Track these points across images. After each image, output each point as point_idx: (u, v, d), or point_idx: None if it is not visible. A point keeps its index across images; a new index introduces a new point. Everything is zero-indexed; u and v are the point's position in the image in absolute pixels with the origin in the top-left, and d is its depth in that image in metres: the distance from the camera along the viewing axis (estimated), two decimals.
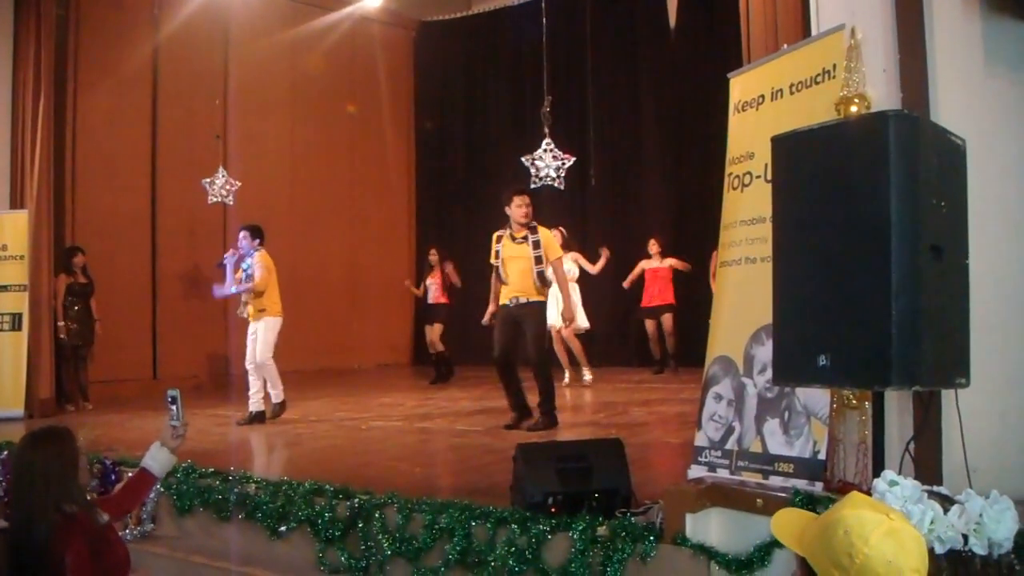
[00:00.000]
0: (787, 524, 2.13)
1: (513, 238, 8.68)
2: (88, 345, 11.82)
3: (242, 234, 9.94)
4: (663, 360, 13.77)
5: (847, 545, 1.87)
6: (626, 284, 13.59)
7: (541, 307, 8.79)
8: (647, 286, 13.47)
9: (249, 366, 9.74)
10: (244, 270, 9.80)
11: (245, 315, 9.78)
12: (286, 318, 9.81)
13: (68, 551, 3.60)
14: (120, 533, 4.74)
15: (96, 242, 12.39)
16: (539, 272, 8.53)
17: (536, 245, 8.60)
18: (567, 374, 12.33)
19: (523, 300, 8.55)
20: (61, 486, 3.71)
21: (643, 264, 13.49)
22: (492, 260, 8.79)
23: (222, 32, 14.79)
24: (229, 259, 9.95)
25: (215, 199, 11.94)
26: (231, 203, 12.19)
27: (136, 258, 13.37)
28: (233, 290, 9.89)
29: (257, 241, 9.91)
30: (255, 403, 9.62)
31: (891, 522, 1.90)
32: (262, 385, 9.71)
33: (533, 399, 8.59)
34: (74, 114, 12.90)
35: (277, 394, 9.77)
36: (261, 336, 9.68)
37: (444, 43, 17.89)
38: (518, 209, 8.65)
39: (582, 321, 12.17)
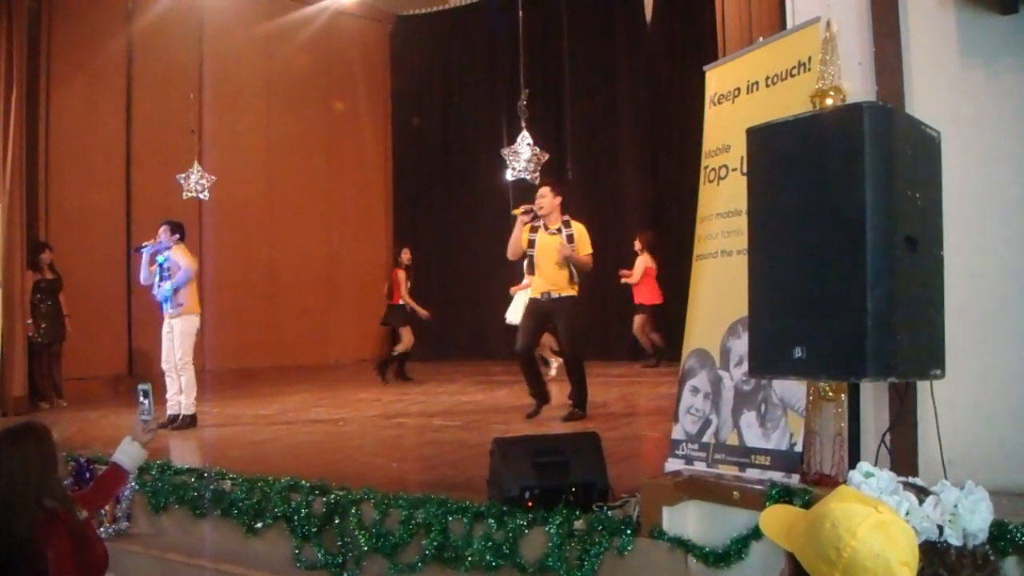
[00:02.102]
0: (775, 520, 2.12)
1: (547, 228, 8.66)
2: (59, 342, 11.73)
3: (163, 228, 9.55)
4: (655, 353, 13.78)
5: (834, 538, 1.85)
6: (634, 280, 13.58)
7: (574, 302, 8.71)
8: (641, 282, 13.49)
9: (166, 366, 9.35)
10: (159, 263, 9.41)
11: (170, 311, 9.35)
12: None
13: (50, 546, 3.57)
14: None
15: (70, 237, 12.31)
16: (573, 263, 8.53)
17: (570, 239, 8.58)
18: (554, 365, 12.29)
19: (555, 295, 8.54)
20: (41, 481, 3.68)
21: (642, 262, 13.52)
22: (524, 240, 8.70)
23: (197, 26, 14.70)
24: (147, 249, 9.54)
25: (190, 194, 11.83)
26: (206, 198, 12.10)
27: (111, 253, 13.26)
28: (169, 288, 9.33)
29: (176, 236, 9.52)
30: (174, 405, 9.19)
31: (879, 515, 1.89)
32: (179, 387, 9.21)
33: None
34: (47, 108, 12.79)
35: (188, 405, 9.22)
36: (179, 337, 9.27)
37: (420, 37, 17.84)
38: (536, 200, 8.70)
39: None
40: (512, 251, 8.86)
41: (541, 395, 8.79)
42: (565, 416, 8.43)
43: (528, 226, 8.73)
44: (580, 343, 9.06)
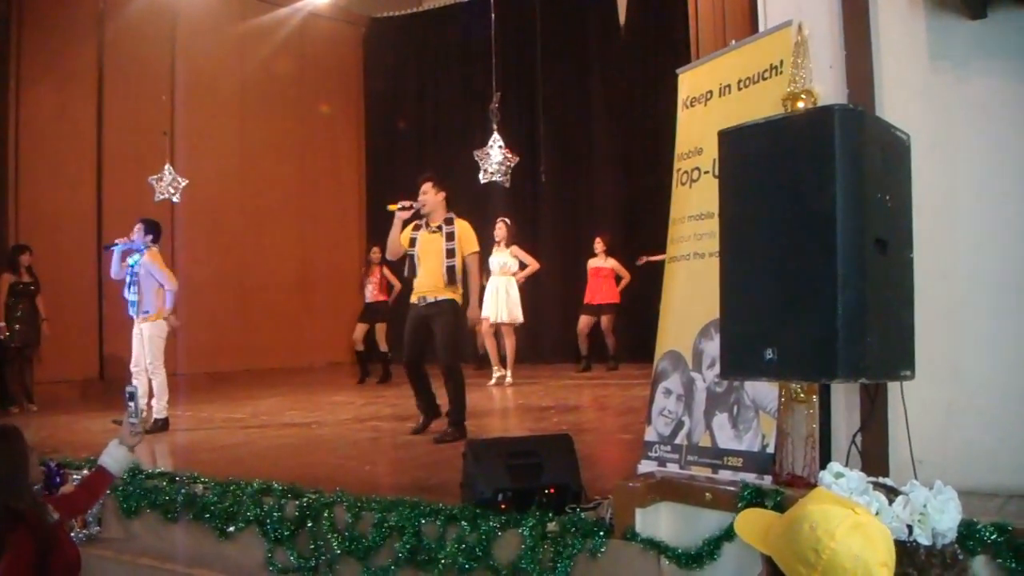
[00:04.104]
0: (751, 523, 2.13)
1: (428, 226, 8.22)
2: (34, 346, 11.66)
3: (137, 226, 9.36)
4: (589, 357, 13.73)
5: (813, 540, 1.87)
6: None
7: (452, 306, 8.08)
8: (590, 284, 13.49)
9: (135, 369, 9.21)
10: (131, 265, 9.21)
11: (172, 322, 9.32)
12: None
13: (8, 545, 3.54)
14: None
15: (41, 240, 12.22)
16: (449, 267, 8.00)
17: (450, 237, 8.10)
18: (495, 371, 12.24)
19: (431, 299, 8.01)
20: (10, 484, 3.66)
21: (589, 262, 13.51)
22: (402, 237, 8.24)
23: (169, 27, 14.63)
24: (119, 247, 9.36)
25: (162, 196, 11.79)
26: (178, 201, 12.05)
27: (82, 256, 13.18)
28: (135, 294, 9.19)
29: (150, 237, 9.33)
30: (159, 411, 9.08)
31: (857, 516, 1.90)
32: (147, 391, 9.03)
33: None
34: (17, 110, 12.70)
35: (160, 409, 9.08)
36: (148, 342, 9.11)
37: (394, 39, 17.81)
38: (418, 199, 8.23)
39: (517, 315, 12.22)
40: (391, 251, 8.39)
41: (429, 409, 8.23)
42: (436, 438, 7.76)
43: (412, 224, 8.30)
44: (457, 352, 8.40)
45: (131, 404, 4.38)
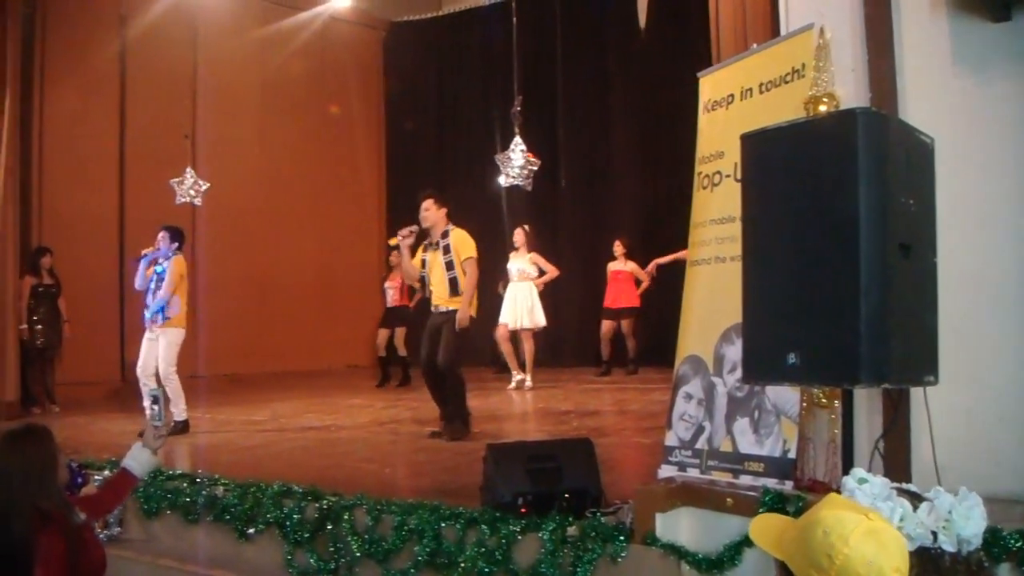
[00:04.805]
0: (765, 528, 2.12)
1: (432, 244, 8.41)
2: (55, 347, 11.72)
3: (161, 234, 9.39)
4: (610, 362, 13.70)
5: (826, 546, 1.86)
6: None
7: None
8: (609, 287, 13.44)
9: (141, 374, 9.15)
10: (157, 272, 9.27)
11: (159, 320, 9.16)
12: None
13: (40, 546, 3.57)
14: None
15: (63, 243, 12.28)
16: (451, 278, 8.20)
17: (446, 250, 8.27)
18: (515, 376, 12.20)
19: (442, 308, 8.24)
20: (40, 484, 3.69)
21: (609, 266, 13.48)
22: (404, 264, 8.53)
23: (191, 31, 14.68)
24: (147, 257, 9.42)
25: (183, 199, 11.83)
26: (199, 204, 12.09)
27: (103, 258, 13.26)
28: (154, 302, 9.22)
29: (176, 245, 9.38)
30: (177, 414, 9.04)
31: (870, 522, 1.89)
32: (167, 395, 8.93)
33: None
34: (41, 113, 12.78)
35: (179, 412, 9.06)
36: (163, 349, 9.10)
37: (414, 43, 17.83)
38: (419, 215, 8.42)
39: (540, 320, 12.20)
40: (409, 278, 8.75)
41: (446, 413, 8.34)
42: (433, 431, 8.13)
43: (422, 245, 8.48)
44: (455, 355, 8.33)
45: (154, 408, 4.42)
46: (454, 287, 8.18)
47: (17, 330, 11.11)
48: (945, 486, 2.62)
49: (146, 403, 4.49)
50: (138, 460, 4.35)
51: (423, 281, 8.46)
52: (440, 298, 8.26)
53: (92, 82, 13.48)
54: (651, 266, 12.77)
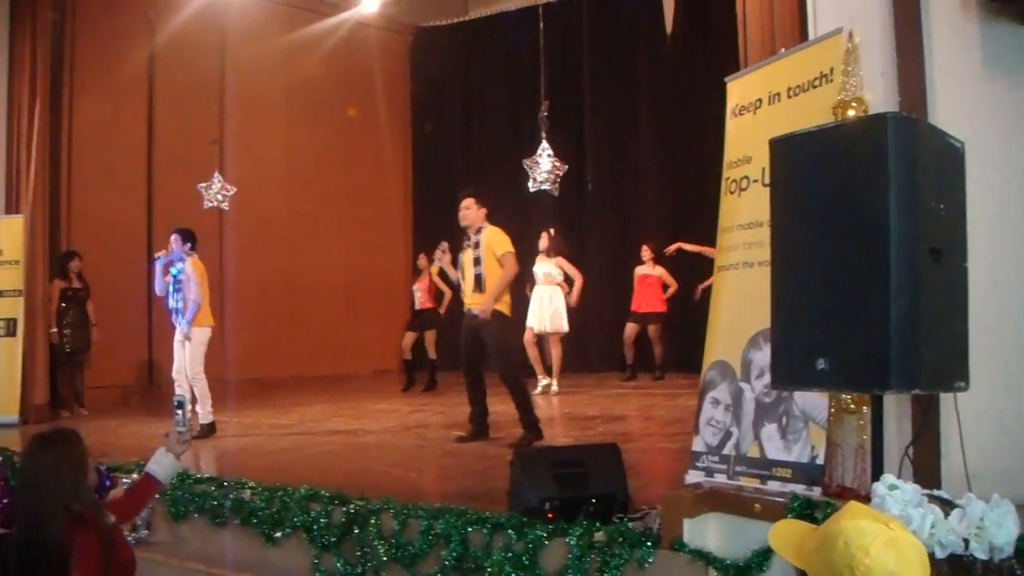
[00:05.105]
0: (785, 536, 2.11)
1: (468, 244, 8.29)
2: (84, 351, 11.78)
3: (173, 236, 9.42)
4: (635, 366, 13.65)
5: (847, 556, 1.85)
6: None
7: (497, 315, 8.03)
8: (637, 291, 13.39)
9: (177, 376, 9.27)
10: (174, 275, 9.31)
11: (183, 326, 9.21)
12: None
13: (78, 549, 3.60)
14: None
15: (92, 247, 12.34)
16: (476, 275, 8.04)
17: (476, 245, 8.12)
18: (541, 380, 12.13)
19: (474, 311, 8.04)
20: (71, 486, 3.72)
21: (636, 270, 13.44)
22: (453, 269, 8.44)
23: (218, 37, 14.76)
24: (160, 261, 9.48)
25: (210, 204, 11.89)
26: (226, 208, 12.16)
27: (131, 263, 13.31)
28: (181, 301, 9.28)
29: (188, 245, 9.39)
30: (203, 416, 9.14)
31: (891, 531, 1.88)
32: (192, 397, 9.07)
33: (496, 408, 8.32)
34: (70, 118, 12.87)
35: (205, 414, 9.16)
36: (191, 349, 9.17)
37: (441, 48, 17.84)
38: (459, 213, 8.30)
39: (563, 325, 12.17)
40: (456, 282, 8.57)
41: (480, 423, 8.23)
42: (515, 442, 7.66)
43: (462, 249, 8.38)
44: (510, 358, 8.36)
45: (179, 412, 4.44)
46: (479, 284, 8.04)
47: (47, 334, 11.19)
48: (976, 493, 2.60)
49: (177, 408, 4.49)
50: (161, 465, 4.38)
51: (459, 284, 8.39)
52: (469, 297, 8.16)
53: (121, 88, 13.55)
54: (675, 246, 12.55)
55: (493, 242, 8.13)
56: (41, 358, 11.02)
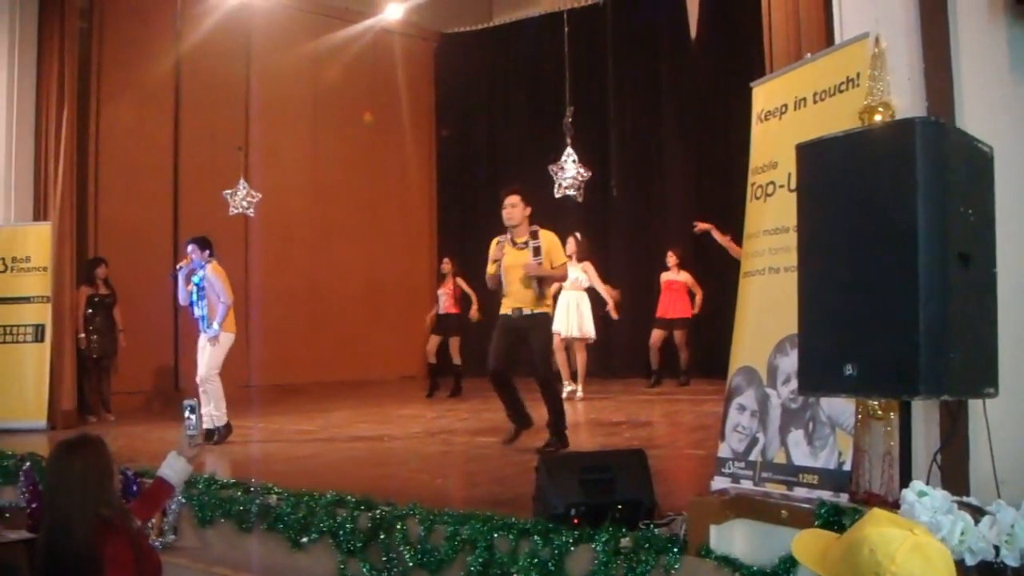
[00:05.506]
0: (808, 546, 2.11)
1: (514, 243, 8.10)
2: (111, 356, 11.86)
3: (190, 247, 9.48)
4: (660, 372, 13.63)
5: (873, 564, 1.84)
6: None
7: (546, 319, 8.19)
8: (663, 297, 13.37)
9: (200, 381, 9.32)
10: (196, 283, 9.37)
11: (210, 332, 9.26)
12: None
13: (110, 553, 3.63)
14: None
15: (118, 253, 12.44)
16: (539, 280, 7.96)
17: (536, 251, 8.00)
18: (566, 386, 12.09)
19: (527, 311, 7.93)
20: (100, 491, 3.75)
21: (662, 276, 13.42)
22: (490, 267, 8.17)
23: (244, 44, 14.86)
24: (181, 271, 9.59)
25: (236, 210, 11.97)
26: (252, 215, 12.23)
27: (158, 269, 13.37)
28: (205, 308, 9.35)
29: (207, 253, 9.44)
30: (208, 420, 9.09)
31: (915, 537, 1.87)
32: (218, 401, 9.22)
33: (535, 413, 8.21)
34: (97, 126, 12.99)
35: (219, 416, 9.22)
36: (210, 352, 9.25)
37: (465, 54, 17.88)
38: (503, 211, 8.14)
39: (589, 331, 12.16)
40: (490, 283, 8.31)
41: (521, 419, 8.12)
42: (540, 448, 7.64)
43: (495, 241, 8.23)
44: (552, 364, 8.46)
45: (190, 417, 4.48)
46: (543, 291, 7.98)
47: (74, 340, 11.27)
48: (1006, 499, 2.58)
49: (188, 412, 4.54)
50: (173, 469, 4.43)
51: (499, 281, 8.13)
52: (523, 301, 7.95)
53: (147, 95, 13.66)
54: (705, 226, 12.14)
55: (553, 251, 8.11)
56: (69, 364, 11.10)
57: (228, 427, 9.29)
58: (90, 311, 11.58)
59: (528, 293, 7.96)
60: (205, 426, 9.08)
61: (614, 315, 12.45)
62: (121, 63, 13.30)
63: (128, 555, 3.68)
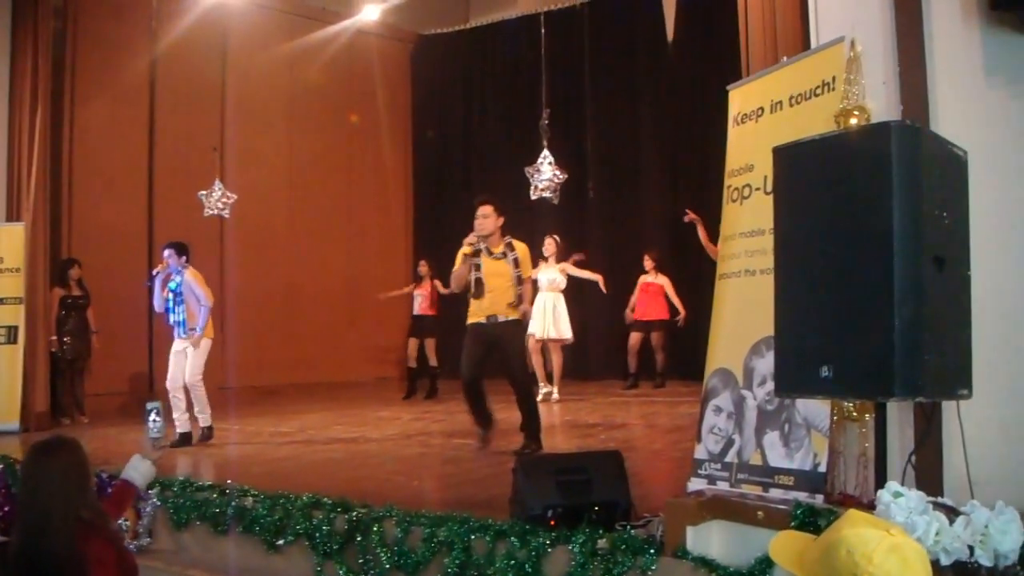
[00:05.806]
0: (786, 547, 2.12)
1: (491, 252, 8.17)
2: (84, 358, 11.78)
3: (167, 252, 9.42)
4: (638, 375, 13.66)
5: (851, 565, 1.85)
6: (629, 310, 13.46)
7: (520, 326, 8.38)
8: (639, 300, 13.40)
9: (171, 386, 9.24)
10: (172, 289, 9.31)
11: (196, 332, 9.24)
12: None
13: (91, 550, 3.61)
14: None
15: (92, 254, 12.35)
16: (520, 293, 8.12)
17: (516, 263, 8.15)
18: (542, 388, 12.08)
19: (502, 319, 8.03)
20: (80, 493, 3.73)
21: (640, 279, 13.44)
22: (460, 270, 8.22)
23: (220, 45, 14.79)
24: (157, 276, 9.50)
25: (211, 212, 11.92)
26: (227, 216, 12.18)
27: (132, 270, 13.28)
28: (182, 313, 9.32)
29: (184, 258, 9.38)
30: (182, 424, 9.16)
31: (892, 538, 1.88)
32: (186, 406, 9.22)
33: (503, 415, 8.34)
34: (71, 126, 12.89)
35: (205, 418, 9.30)
36: (191, 357, 9.22)
37: (442, 56, 17.85)
38: (476, 221, 8.18)
39: (566, 332, 12.18)
40: (457, 285, 8.37)
41: (487, 421, 8.20)
42: (518, 449, 7.62)
43: (467, 246, 8.23)
44: (527, 369, 8.60)
45: (156, 419, 4.49)
46: (520, 300, 8.11)
47: (47, 341, 11.19)
48: (979, 500, 2.60)
49: (153, 415, 4.55)
50: (138, 471, 4.46)
51: (477, 283, 8.12)
52: (500, 308, 8.04)
53: (122, 96, 13.56)
54: (694, 217, 11.95)
55: (525, 263, 8.30)
56: (42, 366, 11.02)
57: (210, 430, 9.31)
58: (63, 313, 11.49)
59: (505, 302, 8.05)
60: (179, 430, 9.09)
61: (604, 290, 12.65)
62: (95, 63, 13.21)
63: (111, 555, 3.67)
